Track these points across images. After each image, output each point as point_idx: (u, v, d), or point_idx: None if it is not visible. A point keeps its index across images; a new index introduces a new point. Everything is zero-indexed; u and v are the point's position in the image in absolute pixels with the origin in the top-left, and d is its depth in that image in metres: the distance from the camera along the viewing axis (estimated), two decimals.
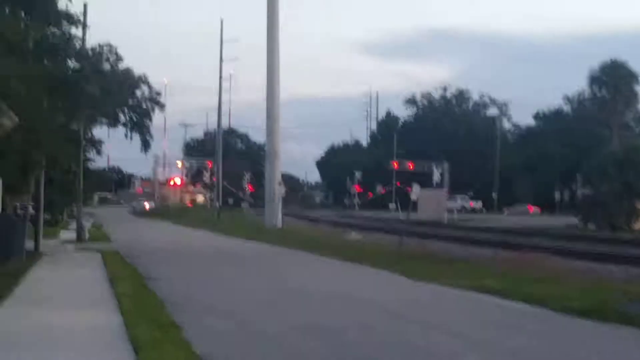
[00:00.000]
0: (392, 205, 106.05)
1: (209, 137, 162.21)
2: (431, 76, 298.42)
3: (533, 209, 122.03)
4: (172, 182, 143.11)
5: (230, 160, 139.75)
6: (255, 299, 20.72)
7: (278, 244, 42.76)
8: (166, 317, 16.54)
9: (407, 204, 45.99)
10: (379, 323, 16.97)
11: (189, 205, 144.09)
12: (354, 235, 49.49)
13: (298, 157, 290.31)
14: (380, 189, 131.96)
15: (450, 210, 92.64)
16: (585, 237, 52.22)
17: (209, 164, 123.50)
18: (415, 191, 34.91)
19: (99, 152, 53.59)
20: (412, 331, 16.16)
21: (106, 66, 64.75)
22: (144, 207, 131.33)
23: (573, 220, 73.15)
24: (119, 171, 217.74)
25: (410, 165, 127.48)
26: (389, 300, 20.52)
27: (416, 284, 24.21)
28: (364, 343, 14.91)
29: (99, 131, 70.28)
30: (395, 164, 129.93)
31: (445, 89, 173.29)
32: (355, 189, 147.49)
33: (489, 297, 20.74)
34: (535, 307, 18.86)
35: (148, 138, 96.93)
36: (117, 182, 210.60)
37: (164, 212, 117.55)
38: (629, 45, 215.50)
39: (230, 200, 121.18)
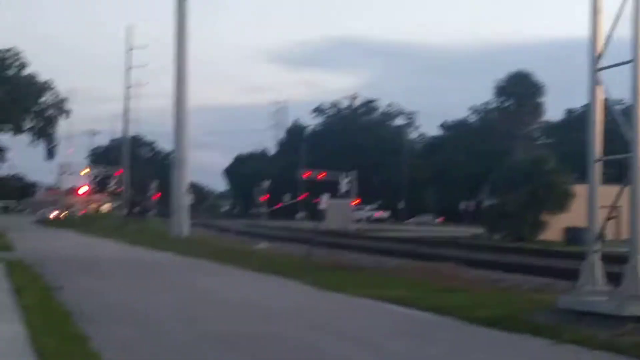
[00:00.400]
0: (299, 215, 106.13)
1: (115, 144, 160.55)
2: (339, 86, 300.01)
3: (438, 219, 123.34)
4: (79, 191, 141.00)
5: (137, 168, 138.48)
6: (167, 309, 20.47)
7: (185, 254, 42.33)
8: (74, 328, 16.20)
9: (315, 213, 46.02)
10: (290, 332, 16.89)
11: (94, 212, 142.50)
12: (263, 245, 49.31)
13: (205, 166, 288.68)
14: (287, 199, 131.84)
15: (357, 220, 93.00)
16: (492, 247, 52.77)
17: (116, 173, 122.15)
18: (325, 201, 34.85)
19: (2, 159, 52.57)
20: (323, 340, 16.13)
21: (11, 71, 63.82)
22: (48, 216, 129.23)
23: (479, 230, 73.96)
24: (21, 179, 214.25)
25: (318, 175, 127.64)
26: (301, 310, 20.45)
27: (325, 294, 24.18)
28: (275, 352, 14.83)
29: (3, 138, 69.15)
30: (305, 174, 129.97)
31: (353, 98, 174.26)
32: (263, 198, 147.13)
33: (398, 307, 20.79)
34: (443, 317, 18.94)
35: (53, 145, 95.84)
36: (20, 190, 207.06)
37: (69, 221, 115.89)
38: (535, 56, 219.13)
39: (137, 209, 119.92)
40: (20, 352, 13.94)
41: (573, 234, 60.87)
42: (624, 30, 18.08)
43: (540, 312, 18.76)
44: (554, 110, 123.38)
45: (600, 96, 18.89)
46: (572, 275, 27.61)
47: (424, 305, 20.39)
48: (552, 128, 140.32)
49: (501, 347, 15.70)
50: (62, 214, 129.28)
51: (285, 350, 15.18)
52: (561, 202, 63.80)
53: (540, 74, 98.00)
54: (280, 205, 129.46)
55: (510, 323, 17.39)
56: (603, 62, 18.85)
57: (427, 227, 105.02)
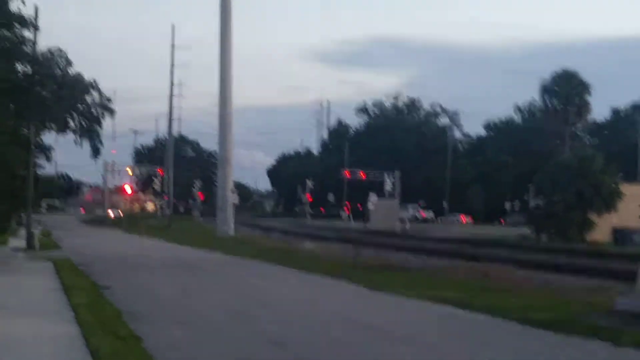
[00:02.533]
0: (344, 215, 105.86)
1: (159, 144, 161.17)
2: (383, 85, 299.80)
3: (465, 219, 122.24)
4: (124, 190, 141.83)
5: (180, 168, 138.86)
6: (217, 309, 20.30)
7: (232, 253, 42.31)
8: (125, 328, 16.07)
9: (361, 213, 45.74)
10: (342, 333, 16.67)
11: (138, 211, 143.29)
12: (308, 245, 49.14)
13: (249, 165, 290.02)
14: (331, 199, 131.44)
15: (402, 220, 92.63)
16: (540, 247, 52.24)
17: (160, 172, 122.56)
18: (372, 201, 34.61)
19: (48, 158, 52.79)
20: (377, 342, 15.89)
21: (57, 71, 64.10)
22: (103, 214, 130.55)
23: (525, 230, 73.36)
24: (67, 178, 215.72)
25: (362, 175, 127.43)
26: (352, 312, 20.22)
27: (375, 294, 23.94)
28: (328, 354, 14.63)
29: (48, 136, 69.43)
30: (347, 173, 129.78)
31: (396, 98, 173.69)
32: (307, 197, 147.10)
33: (451, 308, 20.49)
34: (498, 319, 18.63)
35: (98, 144, 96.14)
36: (65, 189, 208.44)
37: (114, 220, 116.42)
38: (580, 55, 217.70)
39: (181, 208, 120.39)
40: (76, 353, 13.81)
41: (621, 235, 60.29)
42: None
43: (597, 314, 18.44)
44: (599, 109, 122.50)
45: None
46: (624, 276, 27.38)
47: (477, 307, 20.10)
48: (598, 127, 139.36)
49: (561, 349, 15.33)
50: (117, 214, 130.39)
51: (339, 352, 14.95)
52: (608, 202, 63.05)
53: (586, 73, 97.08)
54: (323, 211, 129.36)
55: (567, 325, 17.06)
56: None
57: (473, 227, 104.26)
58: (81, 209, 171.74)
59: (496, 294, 22.79)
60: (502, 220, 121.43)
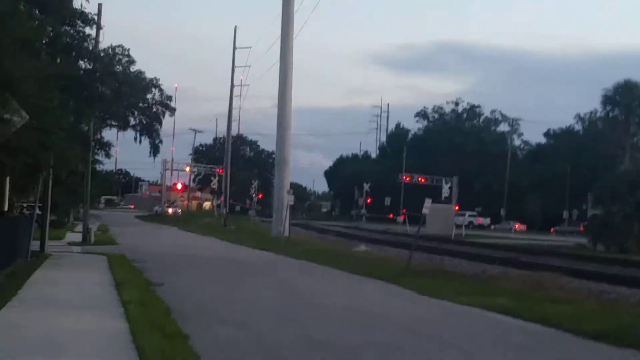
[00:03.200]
0: (399, 219, 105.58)
1: (218, 143, 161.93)
2: (443, 90, 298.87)
3: (520, 226, 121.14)
4: (182, 188, 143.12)
5: (239, 167, 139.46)
6: (267, 310, 20.28)
7: (286, 254, 42.36)
8: (173, 326, 16.10)
9: (416, 218, 45.53)
10: (393, 339, 16.55)
11: (195, 209, 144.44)
12: (363, 248, 49.05)
13: (306, 166, 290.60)
14: (388, 202, 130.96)
15: (458, 226, 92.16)
16: (596, 257, 51.63)
17: (220, 171, 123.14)
18: (427, 205, 34.39)
19: (107, 155, 53.11)
20: (428, 349, 15.79)
21: (118, 68, 64.55)
22: (164, 211, 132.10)
23: (582, 240, 72.76)
24: (126, 174, 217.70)
25: (421, 179, 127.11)
26: (403, 317, 20.10)
27: (427, 300, 23.84)
28: None
29: (108, 133, 69.98)
30: (407, 177, 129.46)
31: (456, 104, 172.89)
32: (364, 200, 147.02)
33: (503, 317, 20.35)
34: (550, 329, 18.45)
35: (157, 142, 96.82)
36: (124, 185, 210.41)
37: (171, 217, 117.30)
38: None
39: (238, 207, 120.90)
40: (122, 349, 13.86)
41: None
42: None
43: None
44: None
45: None
46: None
47: (529, 316, 19.91)
48: None
49: None
50: (176, 211, 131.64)
51: (385, 356, 14.87)
52: None
53: None
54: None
55: (618, 337, 16.85)
56: None
57: (526, 235, 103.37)
58: (131, 205, 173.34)
59: (549, 304, 22.53)
60: (552, 229, 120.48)
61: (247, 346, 15.27)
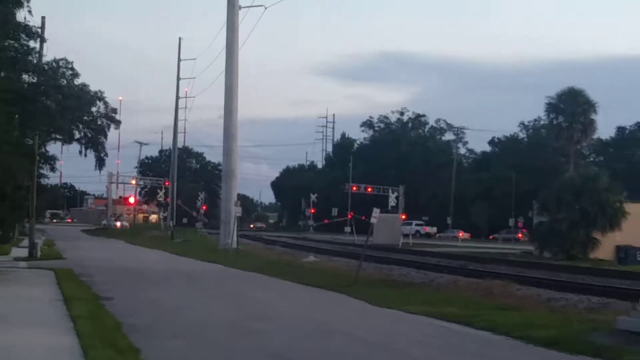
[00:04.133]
0: (347, 229, 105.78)
1: (164, 155, 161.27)
2: (388, 100, 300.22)
3: (463, 234, 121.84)
4: (127, 201, 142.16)
5: (185, 179, 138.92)
6: (218, 323, 20.15)
7: (235, 266, 42.28)
8: (124, 340, 15.96)
9: (363, 227, 45.62)
10: (344, 348, 16.57)
11: (142, 222, 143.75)
12: (312, 259, 49.06)
13: (253, 178, 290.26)
14: (335, 213, 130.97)
15: (405, 235, 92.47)
16: (543, 264, 52.05)
17: (167, 183, 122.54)
18: (375, 215, 34.48)
19: (52, 169, 52.61)
20: (380, 358, 15.81)
21: (62, 81, 64.01)
22: (112, 225, 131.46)
23: (528, 247, 73.35)
24: (71, 188, 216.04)
25: (368, 189, 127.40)
26: (354, 327, 20.10)
27: (377, 309, 23.89)
28: None
29: (53, 146, 69.35)
30: (353, 187, 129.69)
31: (402, 113, 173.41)
32: (311, 211, 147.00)
33: (453, 325, 20.43)
34: (500, 336, 18.55)
35: (102, 155, 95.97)
36: (69, 199, 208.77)
37: (117, 230, 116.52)
38: (587, 73, 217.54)
39: (185, 220, 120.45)
40: None
41: (625, 253, 60.16)
42: None
43: (598, 333, 18.35)
44: (605, 128, 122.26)
45: None
46: (627, 295, 27.30)
47: (479, 324, 20.04)
48: (603, 145, 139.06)
49: None
50: (125, 224, 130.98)
51: None
52: (612, 220, 62.92)
53: (592, 91, 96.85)
54: (327, 222, 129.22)
55: (569, 344, 17.00)
56: None
57: (475, 243, 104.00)
58: (69, 219, 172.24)
59: (498, 311, 22.71)
60: (490, 237, 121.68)
61: (200, 359, 15.21)
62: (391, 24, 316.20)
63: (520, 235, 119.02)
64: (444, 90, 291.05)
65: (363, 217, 47.14)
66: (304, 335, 18.45)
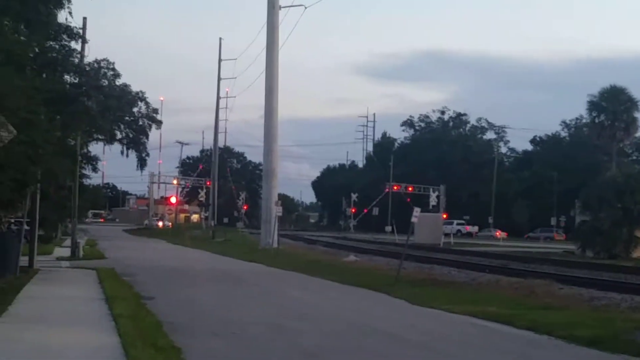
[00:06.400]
0: (388, 228, 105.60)
1: (205, 155, 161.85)
2: (429, 99, 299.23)
3: (500, 234, 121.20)
4: (169, 201, 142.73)
5: (226, 179, 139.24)
6: (259, 322, 20.15)
7: (276, 266, 42.35)
8: (165, 339, 15.99)
9: (404, 226, 45.49)
10: (385, 349, 16.51)
11: (183, 222, 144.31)
12: (352, 258, 49.02)
13: (293, 177, 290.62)
14: (376, 213, 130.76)
15: (446, 234, 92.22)
16: (585, 264, 51.67)
17: (208, 183, 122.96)
18: (416, 214, 34.38)
19: (94, 169, 52.99)
20: (421, 358, 15.75)
21: (104, 82, 64.48)
22: (158, 225, 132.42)
23: (570, 246, 72.92)
24: (113, 188, 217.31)
25: (408, 189, 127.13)
26: (393, 326, 20.03)
27: (418, 309, 23.81)
28: None
29: (95, 147, 69.81)
30: (395, 187, 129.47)
31: (443, 112, 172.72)
32: (351, 210, 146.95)
33: (495, 324, 20.31)
34: (542, 336, 18.42)
35: (144, 155, 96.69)
36: (111, 199, 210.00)
37: (159, 230, 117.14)
38: (629, 71, 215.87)
39: (226, 220, 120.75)
40: None
41: None
42: None
43: None
44: None
45: None
46: None
47: (520, 323, 19.90)
48: None
49: None
50: (167, 224, 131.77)
51: None
52: None
53: (635, 89, 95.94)
54: (366, 211, 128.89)
55: (611, 343, 16.84)
56: None
57: (518, 242, 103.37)
58: (101, 219, 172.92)
59: (540, 311, 22.56)
60: (526, 235, 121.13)
61: (239, 357, 15.23)
62: (429, 22, 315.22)
63: (555, 234, 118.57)
64: (483, 89, 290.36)
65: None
66: (342, 334, 18.43)
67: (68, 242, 54.33)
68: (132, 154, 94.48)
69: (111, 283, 28.98)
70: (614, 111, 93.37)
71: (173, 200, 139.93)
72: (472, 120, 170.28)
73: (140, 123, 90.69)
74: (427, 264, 45.55)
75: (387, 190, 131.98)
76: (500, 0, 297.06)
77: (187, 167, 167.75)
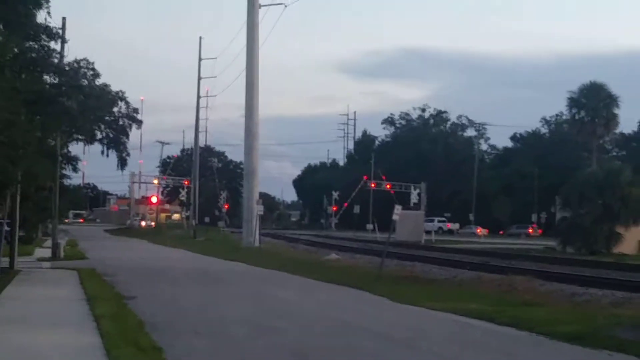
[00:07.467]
0: (369, 226, 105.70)
1: (186, 154, 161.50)
2: (410, 97, 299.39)
3: (481, 231, 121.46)
4: (149, 200, 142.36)
5: (206, 179, 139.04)
6: (241, 321, 20.14)
7: (257, 264, 42.31)
8: (147, 339, 15.97)
9: (385, 224, 45.52)
10: (366, 346, 16.51)
11: (164, 222, 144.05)
12: (334, 256, 49.01)
13: (275, 176, 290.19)
14: (357, 210, 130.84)
15: (427, 232, 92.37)
16: (566, 260, 51.82)
17: (186, 182, 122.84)
18: (397, 212, 34.44)
19: (74, 169, 52.92)
20: (401, 355, 15.81)
21: (83, 81, 64.19)
22: (136, 225, 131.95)
23: (551, 243, 73.11)
24: (93, 188, 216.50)
25: (388, 186, 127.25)
26: (376, 323, 20.07)
27: (400, 307, 23.82)
28: None
29: (75, 147, 69.60)
30: (372, 184, 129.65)
31: (423, 110, 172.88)
32: (332, 208, 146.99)
33: (476, 321, 20.35)
34: (523, 332, 18.46)
35: (124, 155, 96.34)
36: (92, 199, 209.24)
37: (140, 230, 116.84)
38: (609, 68, 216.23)
39: (207, 219, 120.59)
40: None
41: None
42: None
43: (622, 327, 18.26)
44: (627, 122, 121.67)
45: None
46: None
47: (502, 320, 19.96)
48: (626, 140, 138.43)
49: None
50: (149, 224, 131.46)
51: None
52: (636, 214, 62.68)
53: (614, 85, 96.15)
54: (346, 205, 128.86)
55: (593, 339, 16.89)
56: None
57: (500, 239, 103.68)
58: (81, 219, 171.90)
59: (522, 307, 22.65)
60: (501, 232, 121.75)
61: (222, 357, 15.21)
62: (411, 20, 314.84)
63: (530, 229, 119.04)
64: (465, 86, 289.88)
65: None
66: (325, 332, 18.44)
67: (49, 242, 54.13)
68: (113, 154, 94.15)
69: (92, 283, 28.94)
70: (594, 107, 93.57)
71: (154, 199, 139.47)
72: (453, 118, 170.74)
73: (121, 123, 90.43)
74: (409, 261, 45.56)
75: (365, 177, 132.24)
76: None
77: (168, 166, 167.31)
